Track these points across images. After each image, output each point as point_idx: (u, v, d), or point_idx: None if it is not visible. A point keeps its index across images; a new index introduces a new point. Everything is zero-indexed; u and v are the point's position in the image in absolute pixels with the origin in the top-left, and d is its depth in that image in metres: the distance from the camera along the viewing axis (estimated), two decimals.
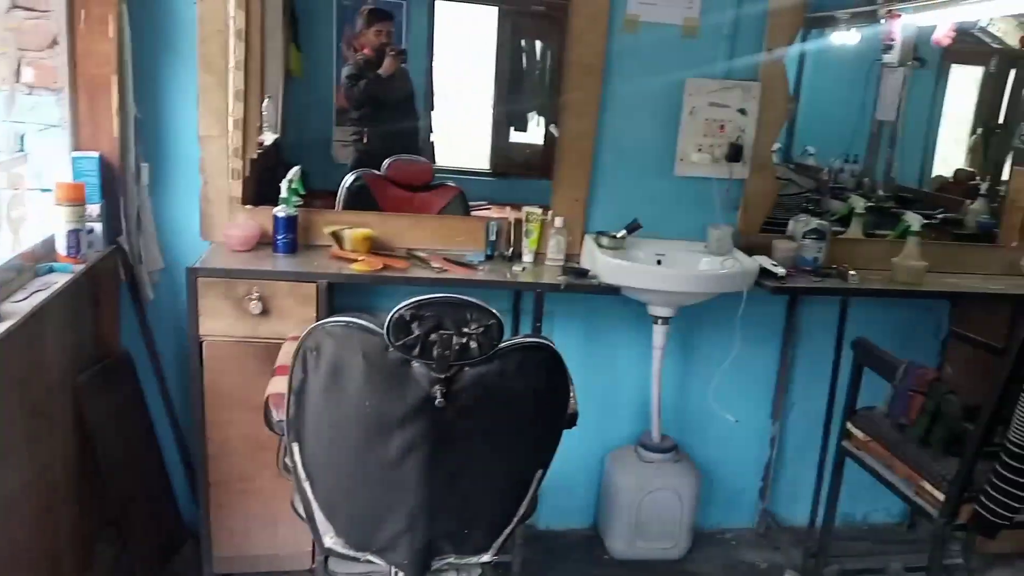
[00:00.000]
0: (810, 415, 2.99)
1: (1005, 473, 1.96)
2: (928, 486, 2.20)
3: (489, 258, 2.58)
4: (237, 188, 2.47)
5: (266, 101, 2.62)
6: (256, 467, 2.39)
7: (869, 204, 2.99)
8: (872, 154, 3.45)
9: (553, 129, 2.77)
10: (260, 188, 2.55)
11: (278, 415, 1.67)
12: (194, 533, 2.53)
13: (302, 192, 2.46)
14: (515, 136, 3.41)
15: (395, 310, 1.49)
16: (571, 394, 1.68)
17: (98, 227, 2.23)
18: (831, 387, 2.86)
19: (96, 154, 2.23)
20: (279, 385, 1.71)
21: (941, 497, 2.14)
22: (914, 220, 2.73)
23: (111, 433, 2.24)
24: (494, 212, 2.93)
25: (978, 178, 3.37)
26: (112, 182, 2.27)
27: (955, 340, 2.90)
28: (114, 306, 2.40)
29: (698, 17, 2.60)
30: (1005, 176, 3.18)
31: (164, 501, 2.56)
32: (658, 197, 2.75)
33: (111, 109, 2.23)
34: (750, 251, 2.67)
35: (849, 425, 2.52)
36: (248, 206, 2.50)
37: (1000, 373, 1.99)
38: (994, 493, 2.01)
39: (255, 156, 2.53)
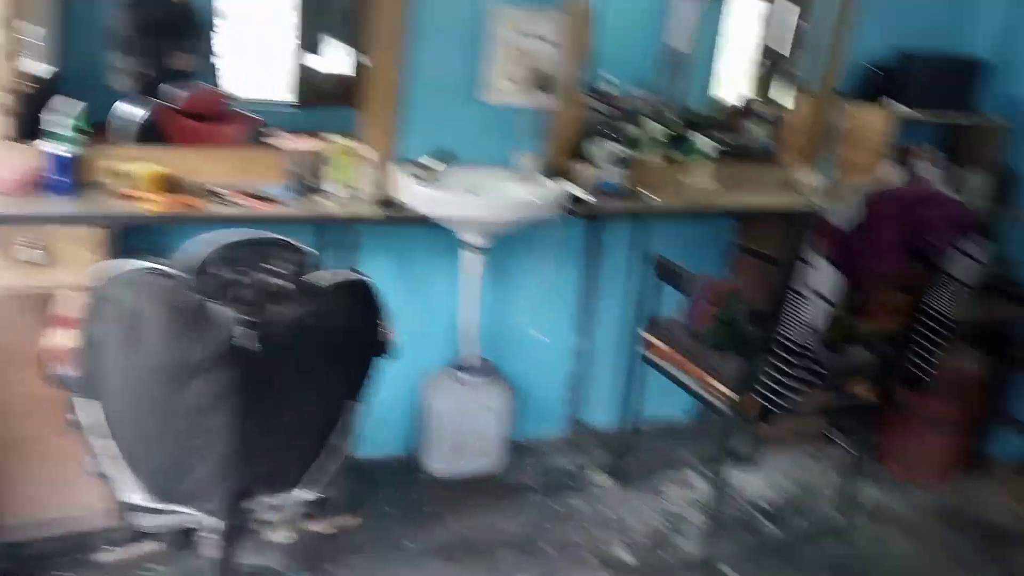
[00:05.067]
0: (614, 329, 3.19)
1: (779, 365, 2.20)
2: (718, 384, 2.43)
3: (295, 192, 2.49)
4: (3, 124, 2.22)
5: (34, 26, 2.34)
6: (43, 427, 2.20)
7: (665, 130, 3.16)
8: (666, 80, 3.62)
9: (362, 57, 2.69)
10: (31, 123, 2.30)
11: (61, 369, 1.57)
12: None
13: (85, 128, 2.25)
14: (319, 63, 3.26)
15: (198, 252, 1.42)
16: (386, 326, 1.69)
17: None
18: (632, 302, 3.05)
19: None
20: (60, 337, 1.60)
21: (729, 393, 2.37)
22: (704, 144, 2.92)
23: None
24: (298, 143, 2.81)
25: (759, 104, 3.63)
26: None
27: (741, 253, 3.17)
28: None
29: None
30: (783, 102, 3.44)
31: None
32: (468, 126, 2.76)
33: None
34: (557, 177, 2.76)
35: (648, 335, 2.73)
36: (20, 143, 2.26)
37: (778, 280, 2.21)
38: (771, 384, 2.25)
39: (22, 88, 2.27)
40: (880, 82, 3.20)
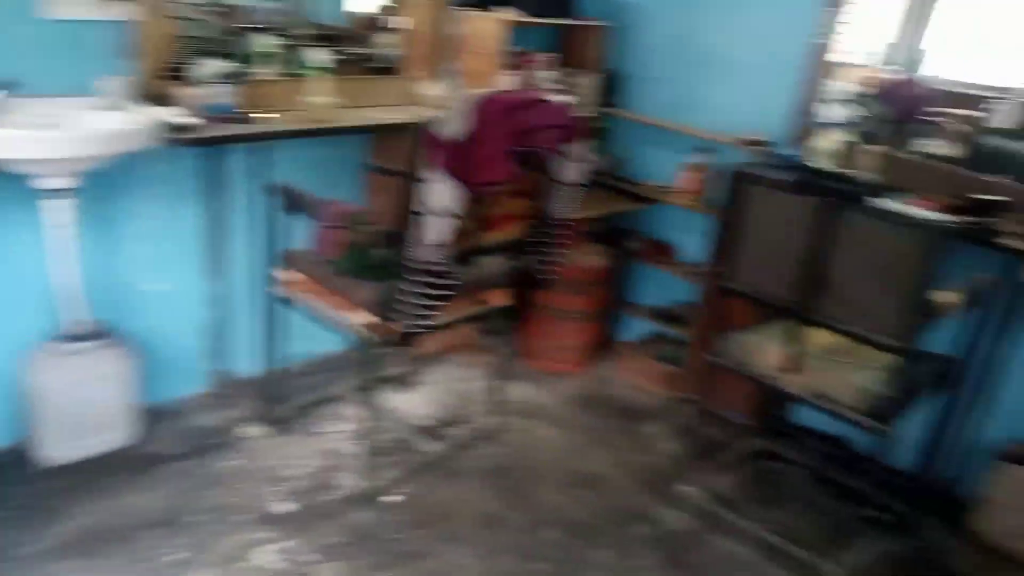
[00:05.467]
0: (250, 266, 2.93)
1: (412, 286, 2.15)
2: (358, 313, 2.33)
3: None
4: None
5: None
6: None
7: (287, 43, 2.89)
8: None
9: None
10: None
11: None
12: None
13: None
14: None
15: None
16: None
17: None
18: (267, 234, 2.82)
19: None
20: None
21: (371, 320, 2.29)
22: (318, 57, 2.72)
23: None
24: None
25: (389, 13, 3.49)
26: None
27: (374, 172, 3.07)
28: None
29: None
30: (407, 12, 3.33)
31: None
32: (31, 48, 2.27)
33: None
34: (153, 103, 2.40)
35: (282, 270, 2.54)
36: None
37: (401, 198, 2.13)
38: (407, 306, 2.20)
39: None
40: None
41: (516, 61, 3.22)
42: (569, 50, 3.49)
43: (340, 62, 2.94)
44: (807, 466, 2.99)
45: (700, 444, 3.09)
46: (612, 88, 3.51)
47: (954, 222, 2.46)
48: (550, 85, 3.24)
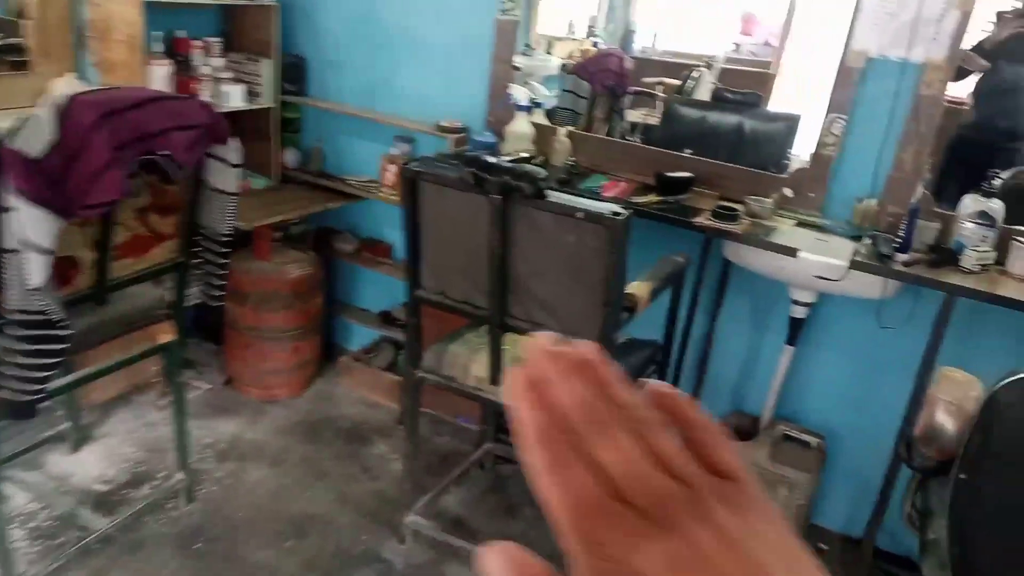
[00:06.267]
0: None
1: (9, 346, 1.68)
2: None
3: None
4: None
5: None
6: None
7: None
8: None
9: None
10: None
11: None
12: None
13: None
14: None
15: None
16: None
17: None
18: None
19: None
20: None
21: None
22: None
23: None
24: None
25: None
26: None
27: None
28: None
29: None
30: None
31: None
32: None
33: None
34: None
35: None
36: None
37: None
38: (19, 371, 1.72)
39: None
40: None
41: (174, 47, 2.75)
42: (238, 34, 3.01)
43: None
44: None
45: (431, 460, 2.84)
46: (294, 75, 3.09)
47: (643, 204, 2.36)
48: (216, 74, 2.79)
